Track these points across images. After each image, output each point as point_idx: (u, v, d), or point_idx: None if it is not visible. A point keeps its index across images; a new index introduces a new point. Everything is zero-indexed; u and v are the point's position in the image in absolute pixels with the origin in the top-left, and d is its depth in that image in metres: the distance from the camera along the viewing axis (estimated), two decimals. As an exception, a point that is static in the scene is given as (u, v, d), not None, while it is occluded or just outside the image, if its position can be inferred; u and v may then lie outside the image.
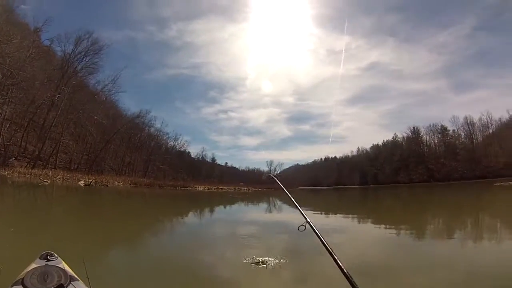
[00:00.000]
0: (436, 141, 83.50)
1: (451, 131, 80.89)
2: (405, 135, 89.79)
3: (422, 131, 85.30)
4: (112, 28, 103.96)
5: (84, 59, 44.12)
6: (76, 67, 43.62)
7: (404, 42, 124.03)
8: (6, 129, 32.17)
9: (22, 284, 1.62)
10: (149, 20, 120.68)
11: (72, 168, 40.51)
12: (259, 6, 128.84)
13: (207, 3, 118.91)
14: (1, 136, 30.89)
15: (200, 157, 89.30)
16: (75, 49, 43.34)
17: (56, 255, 2.01)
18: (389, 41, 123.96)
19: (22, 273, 1.75)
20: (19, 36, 32.02)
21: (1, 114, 31.33)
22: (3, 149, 31.10)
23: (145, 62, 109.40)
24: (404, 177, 80.00)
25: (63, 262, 1.96)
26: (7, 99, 31.62)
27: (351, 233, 8.30)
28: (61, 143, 39.59)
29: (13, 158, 32.05)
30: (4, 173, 25.71)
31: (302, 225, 2.02)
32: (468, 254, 5.34)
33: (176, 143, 71.36)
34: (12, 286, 1.62)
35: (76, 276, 1.80)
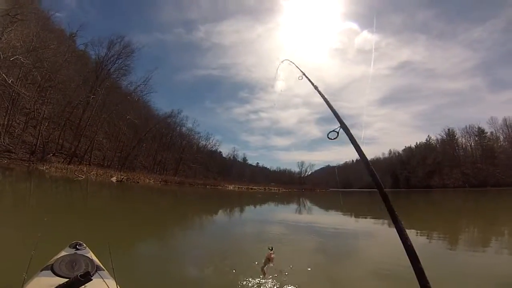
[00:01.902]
0: (472, 144, 78.38)
1: (488, 133, 75.59)
2: (439, 137, 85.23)
3: (458, 133, 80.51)
4: (142, 32, 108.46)
5: (117, 62, 46.30)
6: (109, 69, 45.88)
7: (437, 39, 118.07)
8: (45, 127, 34.49)
9: (52, 269, 1.64)
10: (177, 23, 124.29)
11: (105, 164, 42.61)
12: (287, 6, 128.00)
13: (234, 4, 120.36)
14: (41, 134, 33.16)
15: (232, 157, 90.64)
16: (108, 53, 45.65)
17: (85, 245, 2.05)
18: (421, 39, 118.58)
19: (52, 259, 1.77)
20: (56, 41, 34.24)
21: (40, 114, 33.66)
22: (42, 146, 33.38)
23: (175, 64, 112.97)
24: (437, 181, 75.94)
25: (91, 252, 1.99)
26: (46, 100, 33.98)
27: (383, 238, 7.92)
28: (95, 141, 41.86)
29: (51, 154, 34.29)
30: (42, 167, 27.57)
31: (334, 130, 1.64)
32: (503, 266, 4.85)
33: (208, 143, 72.62)
34: (41, 270, 1.64)
35: (102, 266, 1.81)
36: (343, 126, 1.62)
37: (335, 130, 1.61)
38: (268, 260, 2.21)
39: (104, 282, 1.56)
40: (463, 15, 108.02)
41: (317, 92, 1.95)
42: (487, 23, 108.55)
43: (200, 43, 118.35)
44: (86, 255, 1.87)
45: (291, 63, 2.48)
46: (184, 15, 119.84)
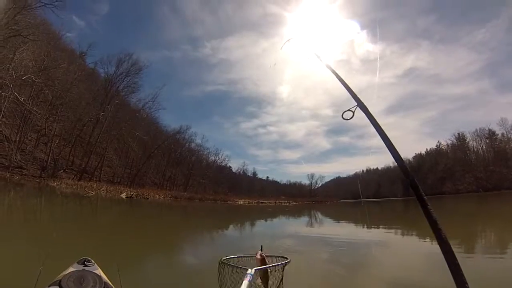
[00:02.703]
0: (484, 146, 76.64)
1: (499, 135, 73.86)
2: (449, 142, 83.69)
3: (468, 137, 78.91)
4: (149, 49, 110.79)
5: (125, 79, 47.45)
6: (118, 87, 46.96)
7: (440, 43, 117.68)
8: (56, 144, 35.17)
9: (59, 285, 1.62)
10: (184, 40, 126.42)
11: (115, 181, 42.96)
12: (290, 18, 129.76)
13: (238, 20, 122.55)
14: (51, 151, 33.81)
15: (241, 172, 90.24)
16: (117, 70, 46.90)
17: (93, 261, 2.02)
18: (424, 44, 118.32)
19: (60, 275, 1.75)
20: (66, 60, 35.41)
21: (52, 131, 34.43)
22: (52, 162, 33.96)
23: (182, 80, 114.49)
24: (450, 187, 74.18)
25: (99, 268, 1.96)
26: (56, 118, 34.84)
27: (396, 248, 7.69)
28: (105, 158, 42.38)
29: (62, 171, 34.81)
30: (53, 184, 27.96)
31: (349, 109, 1.58)
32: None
33: (217, 158, 72.64)
34: (49, 286, 1.62)
35: (110, 283, 1.78)
36: (360, 104, 1.51)
37: (351, 109, 1.53)
38: (259, 261, 1.67)
39: None
40: (464, 18, 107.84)
41: (330, 71, 1.83)
42: (489, 24, 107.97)
43: (207, 59, 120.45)
44: (94, 271, 1.84)
45: (298, 41, 2.31)
46: (190, 32, 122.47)
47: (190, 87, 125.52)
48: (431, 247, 7.60)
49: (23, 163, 30.31)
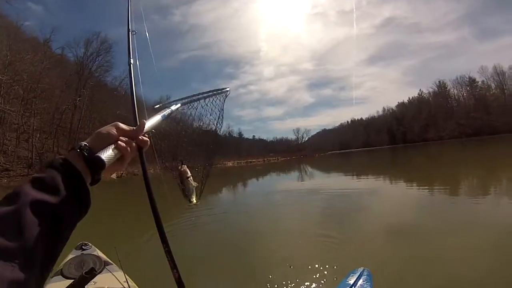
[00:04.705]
0: (464, 94, 78.60)
1: (480, 82, 75.59)
2: (431, 90, 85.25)
3: (449, 85, 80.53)
4: (117, 25, 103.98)
5: (97, 59, 45.14)
6: (91, 68, 44.74)
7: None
8: (37, 139, 34.06)
9: (61, 273, 1.69)
10: (151, 10, 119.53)
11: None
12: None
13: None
14: (34, 146, 32.81)
15: (227, 134, 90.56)
16: (86, 52, 44.38)
17: (90, 244, 2.09)
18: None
19: (61, 264, 1.81)
20: (31, 51, 33.06)
21: (30, 126, 33.12)
22: (38, 158, 33.11)
23: (155, 52, 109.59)
24: (433, 134, 76.81)
25: (97, 250, 2.03)
26: (32, 112, 33.32)
27: (385, 195, 8.11)
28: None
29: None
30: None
31: None
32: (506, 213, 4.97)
33: (200, 123, 72.25)
34: (52, 277, 1.68)
35: (110, 261, 1.87)
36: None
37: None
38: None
39: (113, 275, 1.62)
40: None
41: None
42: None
43: (178, 26, 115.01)
44: (93, 253, 1.91)
45: None
46: (156, 1, 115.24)
47: (164, 57, 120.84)
48: (417, 191, 8.08)
49: (8, 165, 29.45)
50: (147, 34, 1.50)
